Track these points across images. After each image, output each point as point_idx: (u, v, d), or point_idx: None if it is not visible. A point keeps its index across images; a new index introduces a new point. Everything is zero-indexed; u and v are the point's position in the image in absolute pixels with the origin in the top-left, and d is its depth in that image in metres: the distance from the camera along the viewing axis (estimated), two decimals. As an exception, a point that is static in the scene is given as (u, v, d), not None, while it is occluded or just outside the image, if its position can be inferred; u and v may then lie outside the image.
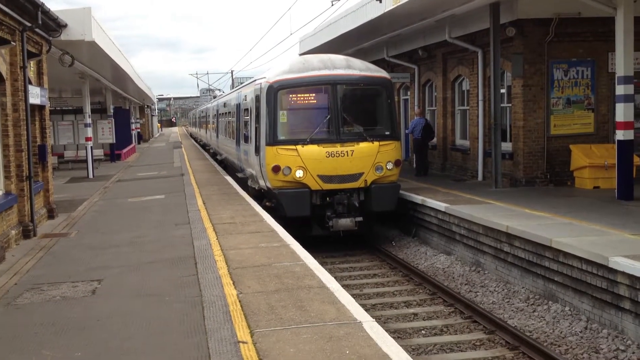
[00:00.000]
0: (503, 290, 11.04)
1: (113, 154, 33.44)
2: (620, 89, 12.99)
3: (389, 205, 14.21)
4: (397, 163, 14.23)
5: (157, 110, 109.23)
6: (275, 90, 14.10)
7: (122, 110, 40.38)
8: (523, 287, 10.87)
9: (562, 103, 15.94)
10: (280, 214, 13.65)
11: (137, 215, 14.15)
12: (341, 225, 13.69)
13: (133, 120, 48.35)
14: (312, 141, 13.82)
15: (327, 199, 13.94)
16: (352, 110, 14.29)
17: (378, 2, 16.30)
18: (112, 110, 34.17)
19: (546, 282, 10.25)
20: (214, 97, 54.79)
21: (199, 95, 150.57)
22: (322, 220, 14.03)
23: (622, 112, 12.99)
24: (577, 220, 11.10)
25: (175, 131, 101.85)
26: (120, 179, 23.57)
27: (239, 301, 6.95)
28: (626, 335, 8.41)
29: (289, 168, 13.76)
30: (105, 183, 22.32)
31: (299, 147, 13.79)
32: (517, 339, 8.74)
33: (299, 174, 13.73)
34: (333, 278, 7.73)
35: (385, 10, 16.68)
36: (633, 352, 8.03)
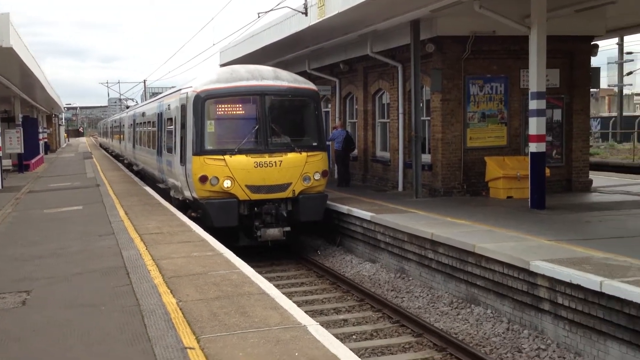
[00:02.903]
0: (428, 295, 11.45)
1: (21, 164, 32.12)
2: (533, 104, 13.76)
3: (316, 215, 14.43)
4: (324, 174, 14.51)
5: (63, 120, 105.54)
6: (202, 100, 14.09)
7: (31, 119, 38.87)
8: (446, 292, 11.31)
9: (477, 117, 16.67)
10: (207, 225, 13.55)
11: (57, 226, 13.70)
12: (269, 235, 13.80)
13: (40, 130, 46.59)
14: (240, 151, 13.88)
15: (255, 209, 14.00)
16: (280, 121, 14.46)
17: (304, 15, 16.58)
18: (20, 119, 32.84)
19: (469, 287, 10.72)
20: (127, 107, 53.55)
21: (107, 105, 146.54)
22: (250, 231, 14.08)
23: (535, 125, 13.76)
24: (496, 228, 11.66)
25: (84, 141, 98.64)
26: (31, 190, 22.68)
27: (180, 309, 6.93)
28: (546, 335, 8.93)
29: (217, 178, 13.76)
30: (17, 194, 21.42)
31: (226, 157, 13.82)
32: (444, 340, 9.11)
33: (227, 184, 13.76)
34: (272, 285, 7.83)
35: (310, 24, 16.99)
36: (554, 351, 8.54)
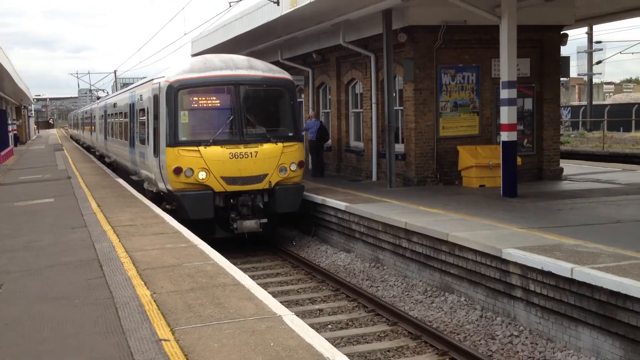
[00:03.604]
0: (402, 284, 11.54)
1: (-10, 156, 31.65)
2: (504, 93, 13.89)
3: (293, 206, 14.32)
4: (300, 164, 14.38)
5: (33, 112, 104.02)
6: (175, 90, 13.85)
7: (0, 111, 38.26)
8: (421, 281, 11.40)
9: (449, 106, 16.76)
10: (182, 217, 13.35)
11: (28, 219, 13.51)
12: (246, 227, 13.67)
13: (10, 122, 45.85)
14: (215, 142, 13.67)
15: (231, 200, 13.86)
16: (255, 111, 14.28)
17: (275, 4, 16.50)
18: (-12, 111, 32.33)
19: (442, 275, 10.82)
20: (98, 97, 52.91)
21: (77, 96, 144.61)
22: (226, 223, 13.96)
23: (507, 114, 13.89)
24: (469, 216, 11.78)
25: (54, 133, 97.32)
26: (1, 183, 22.34)
27: (154, 301, 6.90)
28: (518, 322, 9.06)
29: (191, 170, 13.57)
30: (-14, 187, 21.09)
31: (201, 148, 13.61)
32: (419, 329, 9.19)
33: (202, 175, 13.56)
34: (247, 276, 7.82)
35: (282, 14, 16.92)
36: (526, 337, 8.66)
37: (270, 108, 14.87)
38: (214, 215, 13.77)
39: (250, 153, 13.77)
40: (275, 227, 15.06)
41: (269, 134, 14.14)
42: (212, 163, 13.58)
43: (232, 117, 13.94)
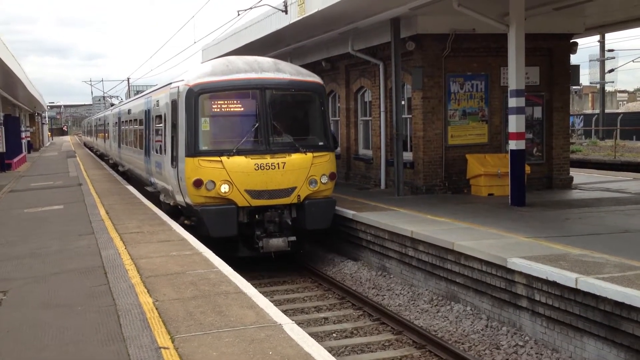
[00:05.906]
0: (408, 292, 11.50)
1: (3, 163, 31.90)
2: (512, 102, 13.84)
3: (324, 222, 13.15)
4: (332, 176, 13.24)
5: (47, 119, 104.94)
6: (196, 95, 12.74)
7: (12, 117, 38.59)
8: (427, 289, 11.36)
9: (458, 115, 16.71)
10: (202, 234, 12.24)
11: (37, 226, 13.60)
12: (272, 246, 12.53)
13: (23, 129, 46.28)
14: (239, 152, 12.57)
15: (256, 216, 12.75)
16: (282, 117, 13.19)
17: (284, 13, 16.56)
18: (1, 118, 32.59)
19: (448, 284, 10.77)
20: (112, 104, 53.20)
21: (92, 103, 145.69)
22: (251, 241, 12.87)
23: (515, 123, 13.84)
24: (476, 225, 11.72)
25: (68, 140, 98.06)
26: (13, 190, 22.51)
27: (156, 308, 6.91)
28: (524, 332, 9.00)
29: (213, 182, 12.42)
30: (-3, 194, 21.27)
31: (224, 158, 12.48)
32: (423, 338, 9.16)
33: (224, 188, 12.42)
34: (249, 284, 7.83)
35: (290, 22, 16.98)
36: (531, 347, 8.60)
37: (299, 114, 13.85)
38: (238, 233, 12.64)
39: (277, 164, 12.62)
40: (304, 246, 13.89)
41: (297, 143, 12.98)
42: (236, 175, 12.46)
43: (257, 124, 12.86)
